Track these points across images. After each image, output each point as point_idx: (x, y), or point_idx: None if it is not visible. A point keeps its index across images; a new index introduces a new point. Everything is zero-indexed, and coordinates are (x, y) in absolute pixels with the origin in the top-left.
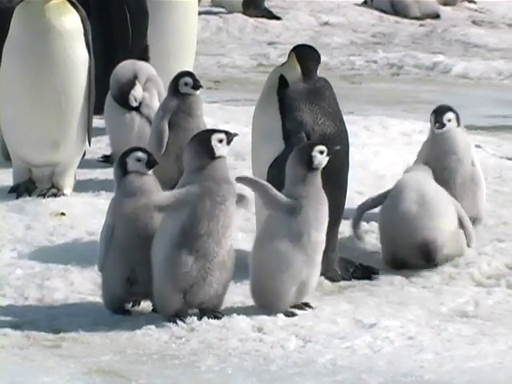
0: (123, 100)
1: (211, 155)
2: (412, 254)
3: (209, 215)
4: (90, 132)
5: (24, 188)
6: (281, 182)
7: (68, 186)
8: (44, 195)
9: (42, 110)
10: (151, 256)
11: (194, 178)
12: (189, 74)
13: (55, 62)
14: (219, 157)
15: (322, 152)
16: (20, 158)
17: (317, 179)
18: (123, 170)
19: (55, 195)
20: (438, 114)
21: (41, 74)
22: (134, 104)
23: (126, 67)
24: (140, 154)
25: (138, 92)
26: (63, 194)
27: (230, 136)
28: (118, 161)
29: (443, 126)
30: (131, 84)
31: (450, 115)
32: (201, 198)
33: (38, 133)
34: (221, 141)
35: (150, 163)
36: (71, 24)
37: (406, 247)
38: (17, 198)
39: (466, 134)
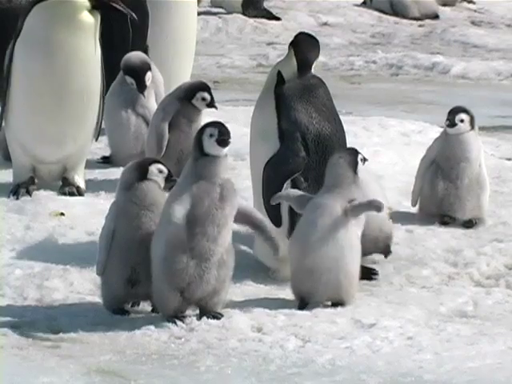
0: (140, 77)
1: (200, 150)
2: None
3: (204, 215)
4: (100, 127)
5: (24, 190)
6: (276, 181)
7: (83, 179)
8: (67, 193)
9: (67, 108)
10: (151, 255)
11: (189, 174)
12: (207, 89)
13: (83, 58)
14: (208, 155)
15: (211, 135)
16: (33, 157)
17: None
18: (141, 176)
19: (80, 193)
20: (452, 112)
21: (69, 71)
22: (147, 83)
23: (137, 53)
24: (163, 167)
25: (149, 75)
26: (82, 191)
27: (222, 134)
28: (138, 166)
29: (454, 125)
30: (148, 65)
31: (462, 116)
32: (196, 198)
33: (58, 130)
34: (211, 135)
35: (170, 179)
36: (92, 20)
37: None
38: (17, 199)
39: (478, 137)
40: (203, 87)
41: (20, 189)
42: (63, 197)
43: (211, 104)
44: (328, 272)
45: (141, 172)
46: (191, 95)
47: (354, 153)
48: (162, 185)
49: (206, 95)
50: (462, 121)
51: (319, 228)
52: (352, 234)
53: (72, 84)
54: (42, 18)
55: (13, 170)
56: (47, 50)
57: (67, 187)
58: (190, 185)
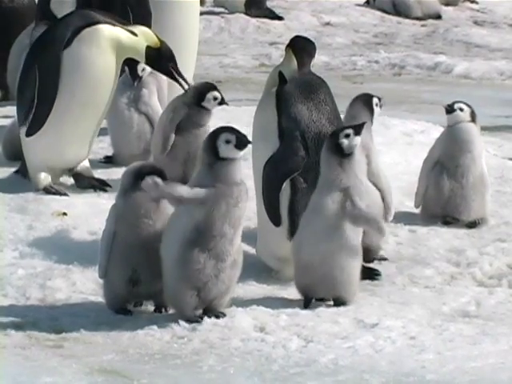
0: (132, 64)
1: (215, 155)
2: None
3: (223, 217)
4: None
5: (55, 190)
6: (275, 180)
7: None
8: (90, 187)
9: (102, 115)
10: (161, 255)
11: (205, 178)
12: (216, 87)
13: (117, 71)
14: (225, 158)
15: (228, 141)
16: (60, 163)
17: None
18: (134, 185)
19: (103, 182)
20: (453, 102)
21: (112, 86)
22: (140, 73)
23: None
24: (159, 182)
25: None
26: (104, 181)
27: (240, 139)
28: (134, 173)
29: (452, 110)
30: None
31: (462, 105)
32: (216, 201)
33: (91, 135)
34: (228, 141)
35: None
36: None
37: None
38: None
39: (480, 134)
40: (212, 87)
41: (51, 191)
42: (65, 197)
43: (222, 101)
44: (322, 267)
45: (135, 180)
46: (201, 98)
47: (335, 134)
48: (155, 198)
49: (217, 94)
50: (461, 109)
51: (312, 226)
52: (346, 230)
53: (110, 96)
54: (104, 40)
55: (32, 180)
56: (105, 64)
57: (86, 180)
58: (208, 187)
